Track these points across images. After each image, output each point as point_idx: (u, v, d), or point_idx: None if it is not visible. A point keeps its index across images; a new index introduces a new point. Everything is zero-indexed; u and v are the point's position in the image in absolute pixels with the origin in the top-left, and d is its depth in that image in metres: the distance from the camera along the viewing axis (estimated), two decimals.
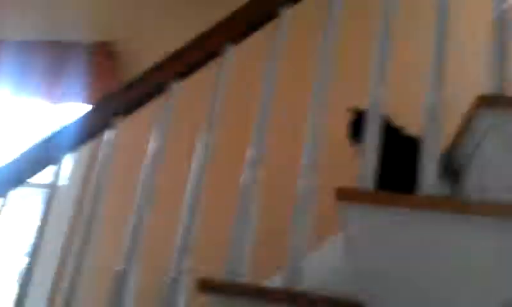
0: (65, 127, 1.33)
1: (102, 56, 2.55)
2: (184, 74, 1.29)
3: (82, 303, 1.15)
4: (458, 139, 1.23)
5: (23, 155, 1.30)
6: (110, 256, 1.78)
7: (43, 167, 1.31)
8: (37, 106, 2.66)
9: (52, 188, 1.27)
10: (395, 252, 1.00)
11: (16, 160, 1.31)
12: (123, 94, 1.35)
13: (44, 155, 1.29)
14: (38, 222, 1.24)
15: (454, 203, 0.98)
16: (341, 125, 1.45)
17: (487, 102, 1.01)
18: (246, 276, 1.09)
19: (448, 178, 1.36)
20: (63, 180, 2.36)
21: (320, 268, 1.46)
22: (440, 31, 1.13)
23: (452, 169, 1.32)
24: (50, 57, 2.59)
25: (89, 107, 1.34)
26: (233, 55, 1.26)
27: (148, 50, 2.44)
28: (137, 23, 2.66)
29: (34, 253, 1.21)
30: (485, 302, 0.92)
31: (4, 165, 1.30)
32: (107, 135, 1.30)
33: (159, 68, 1.32)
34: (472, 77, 1.87)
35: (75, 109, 2.56)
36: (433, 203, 0.98)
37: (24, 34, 2.70)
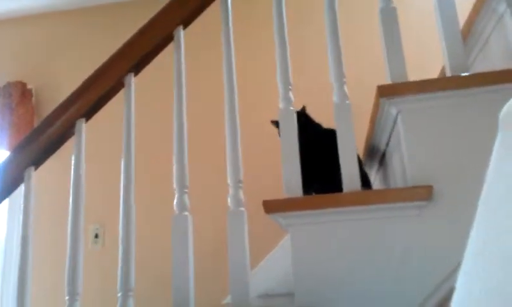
0: None
1: (19, 95, 2.42)
2: (89, 112, 1.24)
3: None
4: (371, 132, 1.26)
5: None
6: None
7: None
8: None
9: None
10: (334, 253, 1.00)
11: None
12: (33, 143, 1.28)
13: None
14: None
15: (371, 195, 1.00)
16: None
17: (386, 90, 1.03)
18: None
19: (380, 169, 1.40)
20: None
21: (268, 278, 1.46)
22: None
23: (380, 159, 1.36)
24: None
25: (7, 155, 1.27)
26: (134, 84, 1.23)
27: (62, 84, 2.37)
28: (49, 62, 2.58)
29: None
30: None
31: None
32: (23, 188, 1.23)
33: (64, 108, 1.26)
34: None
35: None
36: (356, 199, 1.00)
37: None
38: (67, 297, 1.10)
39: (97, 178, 2.13)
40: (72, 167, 1.20)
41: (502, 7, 1.13)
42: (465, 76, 1.02)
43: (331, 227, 1.02)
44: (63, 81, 2.49)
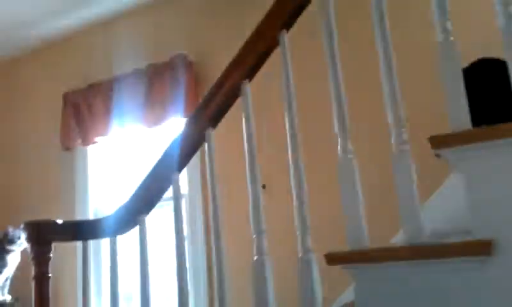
0: (170, 148, 1.45)
1: (183, 67, 2.71)
2: (251, 74, 1.34)
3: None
4: None
5: (142, 187, 1.47)
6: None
7: (163, 191, 1.46)
8: (138, 132, 2.89)
9: (176, 200, 1.41)
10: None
11: (144, 188, 1.46)
12: (208, 104, 1.43)
13: (160, 182, 1.44)
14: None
15: None
16: None
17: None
18: (368, 243, 1.13)
19: None
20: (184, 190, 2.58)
21: (440, 214, 1.45)
22: None
23: None
24: (143, 82, 2.81)
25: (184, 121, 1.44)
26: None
27: (218, 58, 2.56)
28: (206, 33, 2.80)
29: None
30: None
31: (131, 197, 1.47)
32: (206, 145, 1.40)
33: (231, 70, 1.38)
34: None
35: (173, 127, 2.74)
36: None
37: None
38: (254, 235, 1.26)
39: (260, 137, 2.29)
40: (244, 125, 1.33)
41: None
42: None
43: (507, 159, 0.97)
44: (219, 50, 2.69)
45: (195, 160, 2.51)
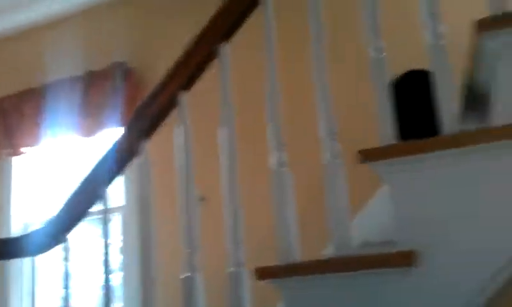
0: (100, 162, 1.40)
1: (123, 75, 2.64)
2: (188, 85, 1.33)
3: None
4: (471, 71, 1.19)
5: (70, 202, 1.40)
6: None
7: (90, 206, 1.40)
8: (72, 143, 2.76)
9: (105, 215, 1.36)
10: (436, 197, 1.00)
11: (71, 204, 1.40)
12: (143, 114, 1.40)
13: (88, 197, 1.38)
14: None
15: (476, 135, 0.96)
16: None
17: (489, 24, 0.97)
18: (298, 257, 1.12)
19: (477, 112, 1.32)
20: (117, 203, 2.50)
21: (369, 225, 1.48)
22: None
23: (478, 102, 1.28)
24: (79, 90, 2.70)
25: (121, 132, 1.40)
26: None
27: (158, 62, 2.52)
28: (148, 41, 2.75)
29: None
30: None
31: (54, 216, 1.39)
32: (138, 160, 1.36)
33: (167, 80, 1.36)
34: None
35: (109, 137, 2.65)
36: (457, 140, 0.97)
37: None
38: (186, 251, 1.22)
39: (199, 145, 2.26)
40: (179, 136, 1.30)
41: None
42: None
43: (431, 172, 1.01)
44: (160, 59, 2.64)
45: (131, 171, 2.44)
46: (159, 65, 2.58)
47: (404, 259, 0.96)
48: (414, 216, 1.00)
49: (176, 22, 2.70)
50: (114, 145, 1.39)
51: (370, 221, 1.53)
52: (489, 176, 0.96)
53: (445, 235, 0.97)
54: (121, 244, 2.55)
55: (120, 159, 1.39)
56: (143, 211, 1.31)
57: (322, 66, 1.16)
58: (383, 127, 1.07)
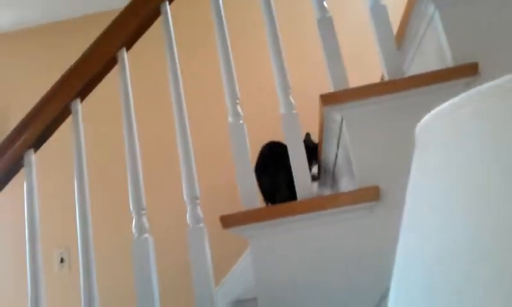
0: None
1: None
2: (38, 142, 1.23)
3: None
4: (321, 144, 1.31)
5: None
6: None
7: None
8: None
9: None
10: (293, 259, 1.04)
11: None
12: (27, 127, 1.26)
13: None
14: None
15: (324, 201, 1.04)
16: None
17: (328, 99, 1.08)
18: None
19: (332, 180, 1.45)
20: None
21: (237, 286, 1.50)
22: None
23: (328, 169, 1.41)
24: None
25: None
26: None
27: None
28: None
29: None
30: (370, 290, 1.00)
31: None
32: None
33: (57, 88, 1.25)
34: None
35: None
36: (307, 206, 1.04)
37: None
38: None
39: (60, 202, 2.09)
40: (25, 200, 1.19)
41: (431, 9, 1.19)
42: (399, 80, 1.08)
43: (288, 234, 1.06)
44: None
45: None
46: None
47: None
48: (272, 276, 1.04)
49: (40, 57, 2.51)
50: None
51: (243, 278, 1.55)
52: (333, 239, 1.04)
53: (300, 293, 1.02)
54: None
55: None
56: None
57: (185, 130, 1.17)
58: (243, 191, 1.10)
